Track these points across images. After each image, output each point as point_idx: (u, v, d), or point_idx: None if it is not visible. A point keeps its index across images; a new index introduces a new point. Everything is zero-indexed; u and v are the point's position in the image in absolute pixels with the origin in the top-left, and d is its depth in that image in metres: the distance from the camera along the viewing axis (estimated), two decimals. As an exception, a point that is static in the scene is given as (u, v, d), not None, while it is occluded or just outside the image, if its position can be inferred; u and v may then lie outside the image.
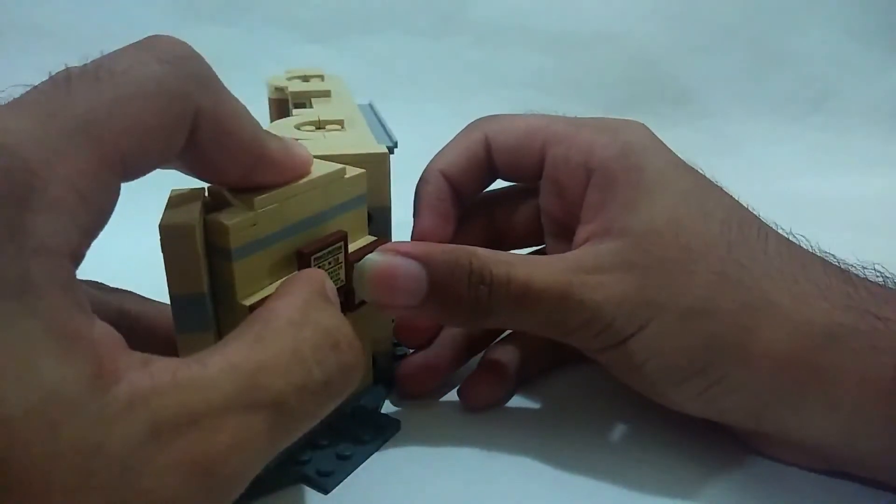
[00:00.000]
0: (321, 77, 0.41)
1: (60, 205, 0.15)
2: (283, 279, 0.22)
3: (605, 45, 0.75)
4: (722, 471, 0.27)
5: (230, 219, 0.21)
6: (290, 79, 0.40)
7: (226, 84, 0.20)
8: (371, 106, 0.37)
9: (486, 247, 0.26)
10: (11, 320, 0.13)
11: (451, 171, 0.30)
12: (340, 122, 0.31)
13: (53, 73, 0.17)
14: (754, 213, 0.27)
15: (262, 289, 0.23)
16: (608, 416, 0.30)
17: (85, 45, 0.19)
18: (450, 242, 0.30)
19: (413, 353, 0.31)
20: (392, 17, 0.75)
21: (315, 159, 0.24)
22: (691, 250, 0.25)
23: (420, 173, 0.31)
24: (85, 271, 0.16)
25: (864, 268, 0.26)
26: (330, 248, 0.24)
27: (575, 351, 0.27)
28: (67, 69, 0.17)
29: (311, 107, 0.35)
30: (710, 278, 0.24)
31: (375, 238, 0.27)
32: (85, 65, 0.17)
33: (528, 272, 0.24)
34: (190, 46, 0.19)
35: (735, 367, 0.24)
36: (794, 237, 0.27)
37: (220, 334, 0.23)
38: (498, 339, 0.33)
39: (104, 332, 0.15)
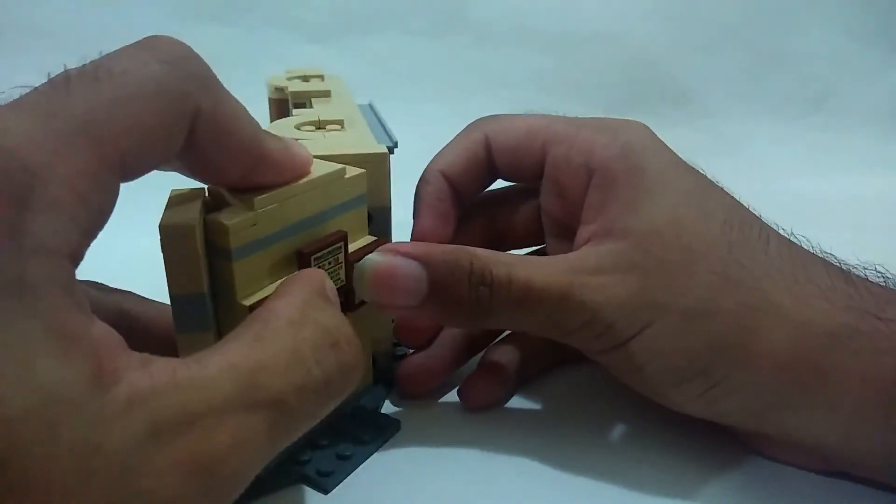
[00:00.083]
0: (321, 77, 0.41)
1: (60, 205, 0.15)
2: (283, 279, 0.22)
3: (605, 45, 0.75)
4: (722, 471, 0.27)
5: (230, 219, 0.21)
6: (290, 79, 0.40)
7: (226, 84, 0.20)
8: (371, 106, 0.37)
9: (487, 247, 0.26)
10: (11, 320, 0.13)
11: (451, 171, 0.30)
12: (340, 122, 0.31)
13: (52, 75, 0.17)
14: (755, 213, 0.27)
15: (262, 289, 0.23)
16: (608, 416, 0.30)
17: (85, 45, 0.19)
18: (450, 243, 0.31)
19: (413, 353, 0.31)
20: (392, 17, 0.74)
21: (315, 159, 0.24)
22: (692, 251, 0.25)
23: (420, 173, 0.31)
24: (85, 271, 0.16)
25: (864, 268, 0.26)
26: (330, 248, 0.24)
27: (575, 351, 0.27)
28: (66, 70, 0.17)
29: (311, 107, 0.35)
30: (711, 279, 0.24)
31: (375, 238, 0.27)
32: (84, 65, 0.17)
33: (529, 273, 0.24)
34: (189, 47, 0.19)
35: (736, 367, 0.24)
36: (796, 238, 0.27)
37: (220, 334, 0.23)
38: (498, 340, 0.33)
39: (104, 332, 0.15)
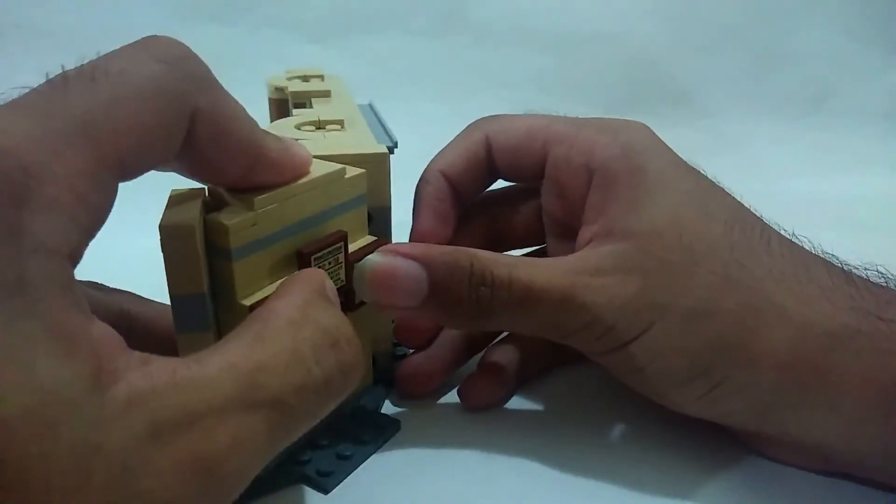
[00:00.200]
0: (321, 77, 0.41)
1: (58, 205, 0.15)
2: (283, 279, 0.22)
3: (605, 45, 0.75)
4: (722, 471, 0.27)
5: (230, 219, 0.21)
6: (290, 79, 0.40)
7: (226, 84, 0.20)
8: (371, 106, 0.37)
9: (487, 247, 0.26)
10: (10, 320, 0.13)
11: (451, 171, 0.30)
12: (340, 122, 0.31)
13: (51, 75, 0.17)
14: (756, 214, 0.27)
15: (262, 289, 0.23)
16: (608, 416, 0.30)
17: (84, 45, 0.19)
18: (449, 243, 0.30)
19: (413, 353, 0.31)
20: (392, 17, 0.74)
21: (315, 159, 0.24)
22: (694, 252, 0.25)
23: (420, 173, 0.31)
24: (85, 271, 0.16)
25: (865, 269, 0.26)
26: (330, 248, 0.24)
27: (575, 351, 0.27)
28: (64, 71, 0.17)
29: (311, 107, 0.35)
30: (713, 280, 0.24)
31: (375, 238, 0.27)
32: (81, 66, 0.17)
33: (531, 274, 0.24)
34: (187, 46, 0.19)
35: (738, 368, 0.24)
36: (797, 238, 0.27)
37: (220, 334, 0.23)
38: (498, 339, 0.33)
39: (103, 332, 0.15)
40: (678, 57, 0.75)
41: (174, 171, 0.21)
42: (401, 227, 0.30)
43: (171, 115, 0.18)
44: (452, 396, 0.31)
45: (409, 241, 0.30)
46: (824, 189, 0.59)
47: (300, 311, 0.19)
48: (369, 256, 0.24)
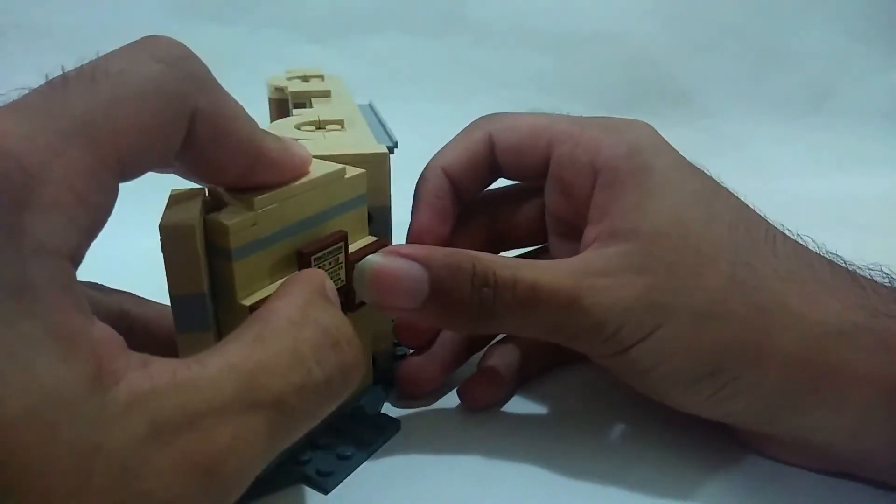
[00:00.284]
0: (321, 77, 0.41)
1: (58, 206, 0.15)
2: (284, 279, 0.22)
3: (605, 45, 0.75)
4: (722, 471, 0.27)
5: (230, 219, 0.21)
6: (290, 79, 0.40)
7: (226, 84, 0.20)
8: (371, 106, 0.37)
9: (487, 246, 0.25)
10: (10, 321, 0.13)
11: (452, 168, 0.30)
12: (340, 122, 0.31)
13: (51, 76, 0.17)
14: (760, 214, 0.27)
15: (262, 289, 0.23)
16: (608, 416, 0.30)
17: (84, 45, 0.19)
18: (450, 241, 0.30)
19: (413, 353, 0.31)
20: (392, 17, 0.74)
21: (315, 159, 0.24)
22: (700, 253, 0.24)
23: (420, 173, 0.31)
24: (85, 272, 0.16)
25: (869, 269, 0.26)
26: (330, 248, 0.24)
27: (575, 351, 0.27)
28: (64, 71, 0.17)
29: (311, 107, 0.35)
30: (720, 281, 0.24)
31: (376, 238, 0.27)
32: (81, 66, 0.17)
33: (535, 275, 0.24)
34: (186, 47, 0.19)
35: (747, 369, 0.24)
36: (801, 238, 0.27)
37: (220, 334, 0.23)
38: (498, 339, 0.33)
39: (104, 332, 0.15)
40: (678, 57, 0.75)
41: (174, 172, 0.21)
42: (401, 227, 0.30)
43: (170, 116, 0.18)
44: (452, 397, 0.31)
45: (407, 237, 0.30)
46: (824, 189, 0.59)
47: (300, 311, 0.19)
48: (369, 257, 0.24)
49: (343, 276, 0.25)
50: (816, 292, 0.24)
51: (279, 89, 0.40)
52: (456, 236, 0.31)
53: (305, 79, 0.40)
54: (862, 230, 0.46)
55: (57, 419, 0.13)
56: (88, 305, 0.15)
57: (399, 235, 0.30)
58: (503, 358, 0.31)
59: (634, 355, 0.25)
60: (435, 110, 0.65)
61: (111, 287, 0.26)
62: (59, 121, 0.15)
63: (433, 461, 0.27)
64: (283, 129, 0.29)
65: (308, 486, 0.26)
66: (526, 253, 0.34)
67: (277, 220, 0.22)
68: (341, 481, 0.26)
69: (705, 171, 0.27)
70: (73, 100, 0.16)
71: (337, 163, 0.25)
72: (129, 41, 0.18)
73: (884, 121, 0.73)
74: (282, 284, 0.20)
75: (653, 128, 0.28)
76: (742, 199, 0.27)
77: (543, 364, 0.33)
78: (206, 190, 0.23)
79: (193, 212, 0.21)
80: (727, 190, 0.27)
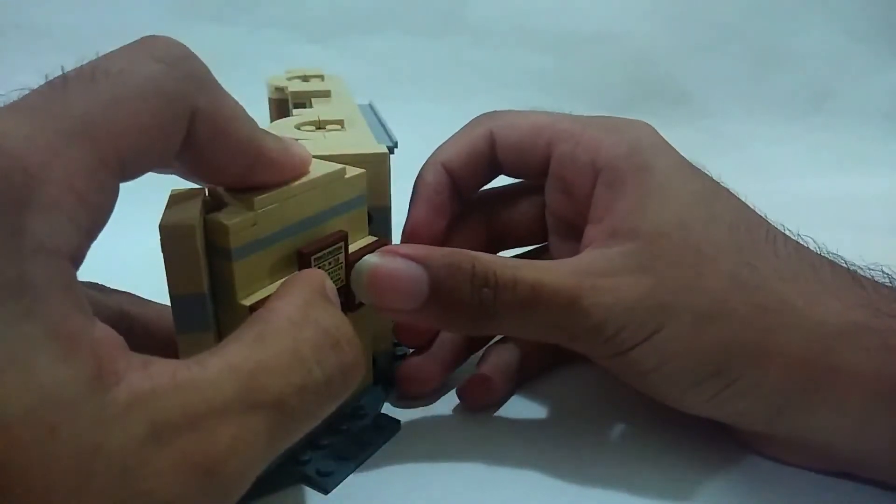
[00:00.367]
0: (321, 77, 0.41)
1: (59, 206, 0.15)
2: (283, 279, 0.22)
3: (605, 45, 0.75)
4: (722, 471, 0.27)
5: (230, 219, 0.21)
6: (290, 79, 0.40)
7: (226, 84, 0.20)
8: (371, 106, 0.37)
9: (487, 244, 0.25)
10: (10, 322, 0.13)
11: (452, 164, 0.30)
12: (340, 122, 0.31)
13: (50, 76, 0.17)
14: (761, 214, 0.27)
15: (262, 289, 0.23)
16: (608, 416, 0.30)
17: (84, 45, 0.19)
18: (448, 238, 0.30)
19: (413, 353, 0.31)
20: (392, 17, 0.74)
21: (315, 159, 0.24)
22: (701, 253, 0.24)
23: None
24: (85, 272, 0.16)
25: (870, 269, 0.26)
26: (330, 249, 0.24)
27: (576, 351, 0.27)
28: (64, 71, 0.17)
29: (311, 107, 0.35)
30: (721, 281, 0.24)
31: (376, 238, 0.27)
32: (81, 66, 0.17)
33: (536, 275, 0.24)
34: (186, 46, 0.19)
35: (749, 369, 0.24)
36: (801, 239, 0.27)
37: (220, 334, 0.23)
38: (497, 339, 0.33)
39: (104, 333, 0.15)
40: (678, 57, 0.75)
41: (174, 172, 0.21)
42: (401, 227, 0.30)
43: (170, 115, 0.18)
44: (452, 397, 0.31)
45: (403, 230, 0.30)
46: (824, 189, 0.59)
47: (301, 311, 0.19)
48: (367, 257, 0.23)
49: (343, 276, 0.25)
50: (817, 292, 0.24)
51: (279, 89, 0.40)
52: (456, 234, 0.31)
53: (305, 79, 0.40)
54: (862, 230, 0.46)
55: (57, 420, 0.13)
56: (89, 306, 0.15)
57: (399, 236, 0.30)
58: (503, 358, 0.31)
59: (635, 356, 0.24)
60: (435, 110, 0.65)
61: (111, 287, 0.26)
62: (60, 121, 0.15)
63: (433, 461, 0.27)
64: (283, 129, 0.29)
65: (308, 486, 0.26)
66: (526, 252, 0.34)
67: (277, 220, 0.22)
68: (341, 481, 0.26)
69: (706, 172, 0.27)
70: (73, 100, 0.16)
71: (337, 163, 0.25)
72: (129, 41, 0.18)
73: (884, 121, 0.73)
74: (282, 285, 0.20)
75: (653, 128, 0.28)
76: (742, 199, 0.27)
77: (543, 364, 0.33)
78: (206, 190, 0.23)
79: (193, 212, 0.21)
80: (728, 190, 0.27)
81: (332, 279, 0.22)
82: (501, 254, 0.33)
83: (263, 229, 0.22)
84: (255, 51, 0.69)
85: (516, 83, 0.74)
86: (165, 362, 0.15)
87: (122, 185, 0.17)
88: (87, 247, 0.16)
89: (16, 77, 0.18)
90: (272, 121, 0.35)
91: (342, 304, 0.22)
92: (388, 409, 0.30)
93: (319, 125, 0.30)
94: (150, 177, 0.19)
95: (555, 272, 0.24)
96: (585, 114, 0.30)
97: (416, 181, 0.31)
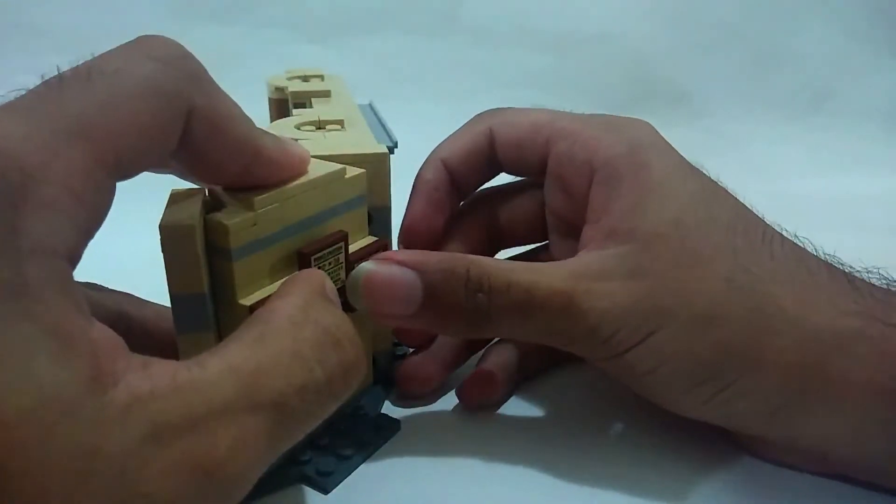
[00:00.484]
0: (321, 77, 0.41)
1: (55, 205, 0.15)
2: (283, 280, 0.22)
3: (605, 45, 0.75)
4: (722, 472, 0.27)
5: (230, 219, 0.21)
6: (290, 79, 0.40)
7: (226, 84, 0.20)
8: (371, 106, 0.37)
9: (487, 243, 0.25)
10: (7, 322, 0.13)
11: (451, 160, 0.30)
12: (340, 122, 0.31)
13: (47, 76, 0.17)
14: (759, 215, 0.27)
15: (262, 289, 0.22)
16: (607, 416, 0.30)
17: (84, 45, 0.19)
18: (448, 236, 0.30)
19: (413, 353, 0.31)
20: (392, 17, 0.75)
21: (315, 159, 0.24)
22: (698, 256, 0.24)
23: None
24: (84, 272, 0.16)
25: (867, 271, 0.26)
26: (330, 249, 0.24)
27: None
28: (60, 71, 0.17)
29: (311, 107, 0.35)
30: (719, 285, 0.24)
31: (376, 238, 0.27)
32: (77, 66, 0.17)
33: (530, 279, 0.24)
34: (181, 46, 0.19)
35: (744, 373, 0.24)
36: (799, 240, 0.27)
37: (220, 334, 0.23)
38: (496, 339, 0.33)
39: (102, 334, 0.15)
40: (678, 57, 0.75)
41: (171, 172, 0.21)
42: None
43: (167, 114, 0.18)
44: (452, 397, 0.31)
45: (401, 226, 0.30)
46: (824, 189, 0.59)
47: (301, 310, 0.18)
48: (363, 264, 0.24)
49: (343, 276, 0.25)
50: (813, 296, 0.24)
51: (279, 89, 0.40)
52: (455, 233, 0.31)
53: (305, 79, 0.40)
54: (862, 230, 0.46)
55: (54, 420, 0.13)
56: (87, 306, 0.15)
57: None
58: (502, 358, 0.31)
59: (631, 359, 0.24)
60: (435, 110, 0.65)
61: (110, 287, 0.26)
62: (56, 121, 0.15)
63: (433, 461, 0.27)
64: (283, 129, 0.29)
65: (308, 486, 0.26)
66: (526, 251, 0.34)
67: (277, 220, 0.22)
68: (341, 481, 0.26)
69: (704, 172, 0.27)
70: (70, 100, 0.16)
71: (337, 163, 0.25)
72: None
73: (884, 121, 0.73)
74: (282, 285, 0.20)
75: (652, 127, 0.28)
76: (741, 199, 0.27)
77: (542, 364, 0.33)
78: (206, 190, 0.23)
79: (193, 212, 0.21)
80: (725, 190, 0.27)
81: (332, 279, 0.22)
82: (501, 253, 0.33)
83: (263, 229, 0.22)
84: (255, 51, 0.69)
85: (516, 83, 0.74)
86: (165, 363, 0.15)
87: (122, 185, 0.17)
88: (84, 246, 0.16)
89: (15, 77, 0.18)
90: (272, 121, 0.35)
91: (342, 304, 0.22)
92: (388, 409, 0.30)
93: (319, 125, 0.30)
94: (150, 177, 0.19)
95: (550, 275, 0.24)
96: (586, 113, 0.30)
97: (415, 177, 0.30)
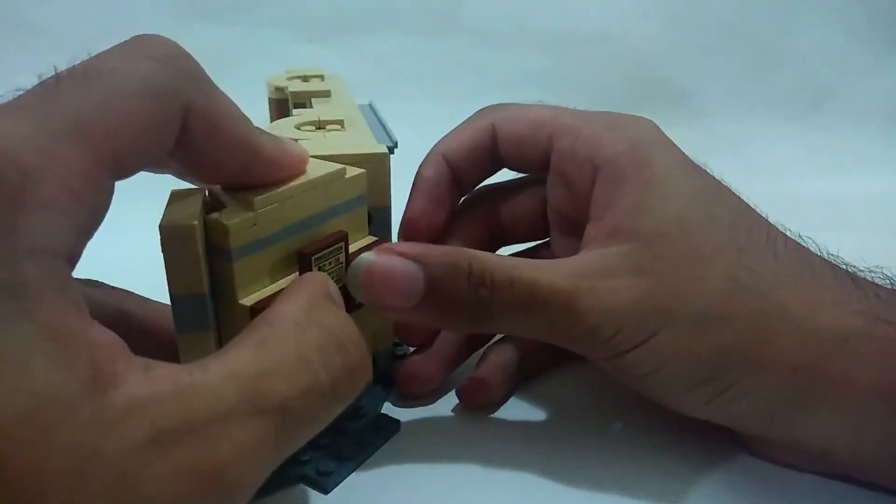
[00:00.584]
0: (321, 77, 0.41)
1: (54, 205, 0.15)
2: (285, 281, 0.22)
3: (605, 45, 0.75)
4: (722, 472, 0.27)
5: (230, 219, 0.21)
6: (290, 79, 0.40)
7: (226, 84, 0.20)
8: (371, 106, 0.37)
9: (488, 240, 0.25)
10: (5, 322, 0.13)
11: (453, 155, 0.30)
12: (340, 122, 0.31)
13: (44, 76, 0.17)
14: (762, 215, 0.27)
15: (262, 289, 0.22)
16: (607, 416, 0.30)
17: (84, 45, 0.19)
18: (449, 233, 0.30)
19: (413, 352, 0.31)
20: (392, 17, 0.74)
21: (315, 159, 0.24)
22: (701, 255, 0.24)
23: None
24: (84, 272, 0.16)
25: (870, 271, 0.26)
26: (331, 249, 0.24)
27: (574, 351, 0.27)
28: (56, 71, 0.17)
29: (311, 107, 0.34)
30: (723, 285, 0.24)
31: (376, 238, 0.27)
32: (73, 66, 0.17)
33: (534, 275, 0.24)
34: (178, 45, 0.19)
35: (747, 374, 0.24)
36: (802, 240, 0.26)
37: (220, 334, 0.23)
38: (497, 339, 0.33)
39: (102, 335, 0.15)
40: (678, 57, 0.75)
41: (170, 172, 0.21)
42: (401, 223, 0.30)
43: (164, 113, 0.18)
44: (452, 397, 0.31)
45: (401, 222, 0.30)
46: (824, 189, 0.59)
47: (305, 313, 0.18)
48: (364, 255, 0.23)
49: (343, 276, 0.25)
50: (817, 297, 0.24)
51: (279, 89, 0.40)
52: (456, 229, 0.31)
53: (305, 79, 0.40)
54: (862, 230, 0.46)
55: (53, 422, 0.13)
56: (86, 306, 0.15)
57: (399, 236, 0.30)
58: (501, 358, 0.31)
59: (632, 359, 0.24)
60: (435, 110, 0.65)
61: (111, 285, 0.26)
62: (54, 121, 0.15)
63: (433, 461, 0.27)
64: (283, 129, 0.29)
65: (308, 486, 0.26)
66: (527, 248, 0.34)
67: (277, 220, 0.22)
68: (341, 481, 0.26)
69: (707, 170, 0.27)
70: (67, 99, 0.16)
71: (337, 163, 0.25)
72: (128, 42, 0.18)
73: (884, 121, 0.73)
74: (285, 289, 0.20)
75: (655, 124, 0.28)
76: (743, 198, 0.27)
77: (542, 364, 0.33)
78: (206, 190, 0.23)
79: (193, 212, 0.21)
80: (728, 189, 0.27)
81: (332, 279, 0.22)
82: (502, 250, 0.33)
83: (263, 229, 0.22)
84: (255, 51, 0.69)
85: (516, 83, 0.74)
86: (167, 366, 0.15)
87: (121, 185, 0.17)
88: (84, 246, 0.16)
89: (15, 77, 0.18)
90: (272, 121, 0.35)
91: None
92: (388, 409, 0.30)
93: (319, 125, 0.30)
94: (150, 177, 0.19)
95: (552, 273, 0.24)
96: (588, 110, 0.30)
97: (416, 174, 0.30)
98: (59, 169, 0.15)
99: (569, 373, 0.33)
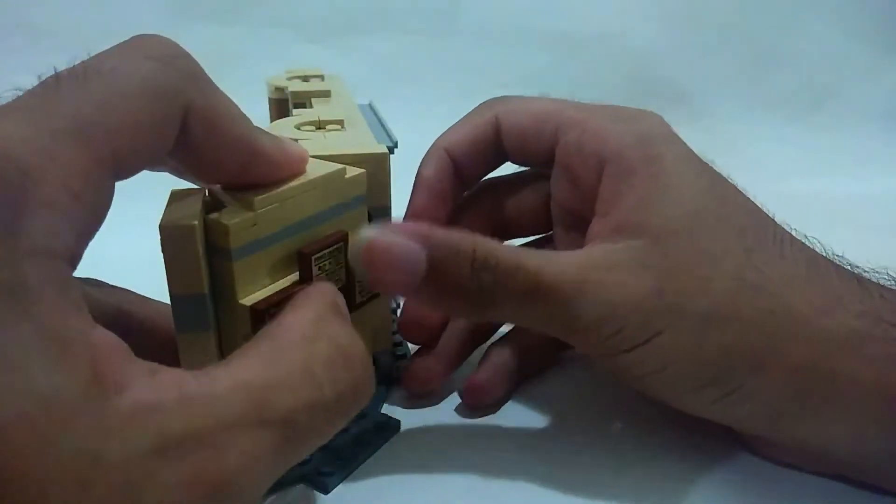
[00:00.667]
0: (321, 77, 0.41)
1: (54, 205, 0.15)
2: (285, 281, 0.21)
3: (606, 45, 0.75)
4: (723, 473, 0.27)
5: (230, 219, 0.21)
6: (290, 79, 0.40)
7: (226, 84, 0.20)
8: (371, 106, 0.37)
9: (491, 233, 0.25)
10: (5, 324, 0.13)
11: (455, 149, 0.30)
12: (340, 122, 0.30)
13: (43, 76, 0.16)
14: (769, 214, 0.26)
15: (262, 289, 0.22)
16: (608, 416, 0.30)
17: (84, 45, 0.19)
18: (450, 225, 0.30)
19: (417, 351, 0.31)
20: (392, 17, 0.74)
21: (315, 159, 0.24)
22: (708, 254, 0.24)
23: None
24: (85, 272, 0.16)
25: (876, 272, 0.26)
26: (331, 249, 0.24)
27: (576, 349, 0.27)
28: (56, 71, 0.17)
29: (311, 107, 0.34)
30: (727, 283, 0.24)
31: (376, 238, 0.26)
32: (73, 66, 0.17)
33: (540, 264, 0.23)
34: (177, 44, 0.19)
35: (750, 377, 0.24)
36: (808, 240, 0.26)
37: (221, 334, 0.23)
38: (497, 339, 0.33)
39: (104, 337, 0.15)
40: (678, 57, 0.75)
41: (170, 171, 0.21)
42: (401, 227, 0.30)
43: (163, 112, 0.18)
44: (453, 397, 0.31)
45: (405, 215, 0.30)
46: (824, 189, 0.59)
47: (314, 326, 0.18)
48: (366, 228, 0.22)
49: (343, 276, 0.25)
50: (822, 298, 0.24)
51: (279, 89, 0.40)
52: (460, 222, 0.31)
53: (305, 79, 0.40)
54: (862, 230, 0.46)
55: (53, 425, 0.13)
56: (87, 308, 0.15)
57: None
58: (502, 358, 0.31)
59: (635, 358, 0.24)
60: (435, 110, 0.65)
61: (111, 285, 0.26)
62: (54, 121, 0.15)
63: (433, 461, 0.27)
64: (283, 129, 0.29)
65: (308, 485, 0.26)
66: (529, 242, 0.34)
67: (277, 220, 0.22)
68: (341, 481, 0.26)
69: (713, 166, 0.27)
70: (67, 99, 0.16)
71: (337, 163, 0.25)
72: (127, 42, 0.18)
73: (884, 121, 0.72)
74: (293, 300, 0.20)
75: (662, 118, 0.28)
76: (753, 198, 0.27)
77: (543, 363, 0.33)
78: (206, 190, 0.23)
79: (194, 212, 0.21)
80: (734, 187, 0.27)
81: (332, 279, 0.22)
82: (506, 243, 0.33)
83: (263, 229, 0.22)
84: (255, 51, 0.69)
85: (516, 83, 0.73)
86: (172, 372, 0.15)
87: (121, 185, 0.17)
88: (84, 247, 0.16)
89: (15, 77, 0.18)
90: (272, 121, 0.35)
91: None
92: (388, 409, 0.30)
93: (319, 125, 0.30)
94: (150, 177, 0.19)
95: (559, 263, 0.24)
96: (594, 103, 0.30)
97: (419, 168, 0.30)
98: (59, 169, 0.15)
99: (569, 373, 0.33)
